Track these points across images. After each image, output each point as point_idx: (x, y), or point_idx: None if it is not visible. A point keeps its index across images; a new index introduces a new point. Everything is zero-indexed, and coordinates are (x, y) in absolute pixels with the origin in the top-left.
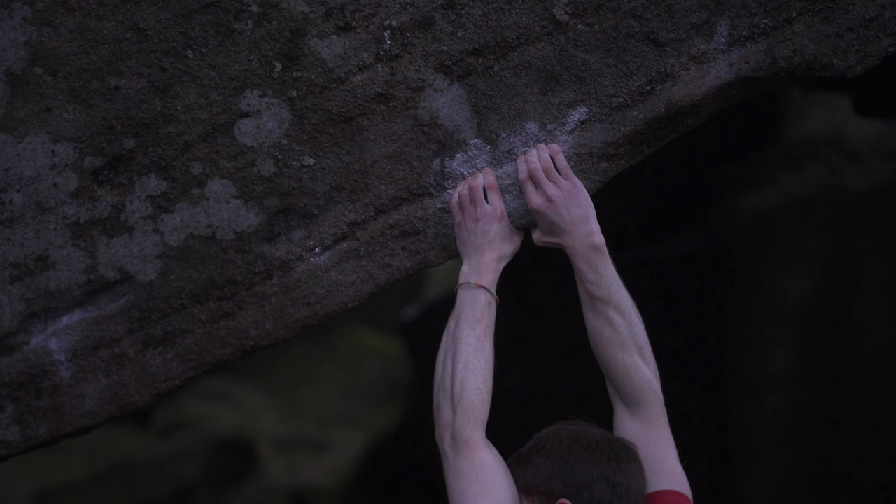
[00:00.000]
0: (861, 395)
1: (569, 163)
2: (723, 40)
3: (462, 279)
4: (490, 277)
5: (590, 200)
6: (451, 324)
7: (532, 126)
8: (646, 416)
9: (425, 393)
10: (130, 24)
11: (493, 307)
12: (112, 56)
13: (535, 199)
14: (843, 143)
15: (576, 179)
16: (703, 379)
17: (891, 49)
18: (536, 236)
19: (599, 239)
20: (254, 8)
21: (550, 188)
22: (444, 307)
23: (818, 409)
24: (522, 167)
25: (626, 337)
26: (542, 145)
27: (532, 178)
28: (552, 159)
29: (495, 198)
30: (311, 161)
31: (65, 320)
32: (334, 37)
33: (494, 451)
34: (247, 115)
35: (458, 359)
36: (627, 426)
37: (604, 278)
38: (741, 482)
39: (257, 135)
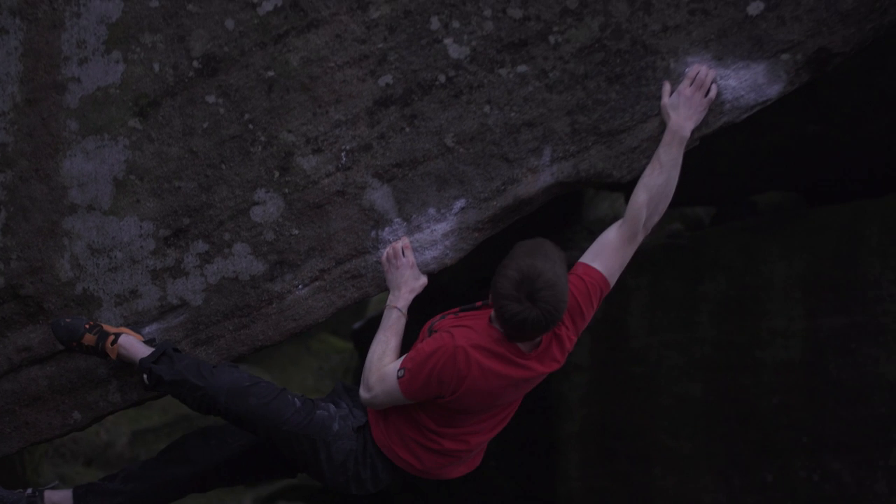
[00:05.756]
0: None
1: (452, 234)
2: (547, 159)
3: (388, 303)
4: (403, 302)
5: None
6: (378, 329)
7: (432, 210)
8: (623, 230)
9: None
10: (188, 148)
11: (403, 321)
12: (176, 168)
13: (385, 262)
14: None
15: (410, 255)
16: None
17: (645, 163)
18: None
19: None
20: (262, 138)
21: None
22: (378, 320)
23: None
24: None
25: (657, 187)
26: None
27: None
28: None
29: (409, 253)
30: (296, 231)
31: (146, 329)
32: (311, 156)
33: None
34: (257, 203)
35: (373, 349)
36: (611, 229)
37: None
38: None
39: (264, 216)
